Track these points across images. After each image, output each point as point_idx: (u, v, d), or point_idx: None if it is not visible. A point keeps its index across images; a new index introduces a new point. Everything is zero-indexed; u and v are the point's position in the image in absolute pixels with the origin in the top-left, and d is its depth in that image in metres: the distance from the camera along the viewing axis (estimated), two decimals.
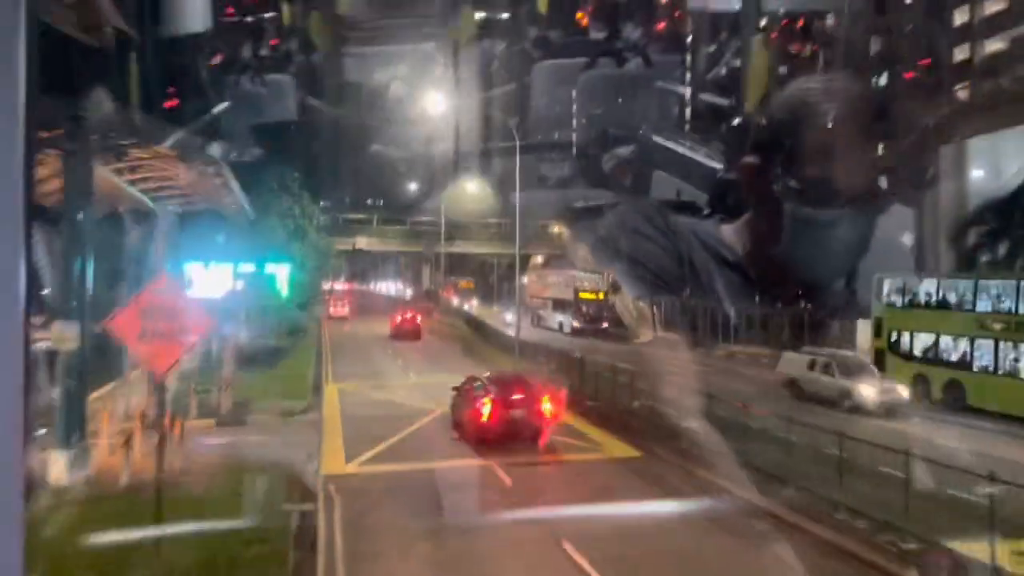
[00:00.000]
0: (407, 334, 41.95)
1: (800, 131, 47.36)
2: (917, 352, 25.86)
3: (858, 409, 22.57)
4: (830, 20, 64.09)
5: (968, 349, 23.82)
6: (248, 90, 73.16)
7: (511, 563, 11.10)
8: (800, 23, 66.06)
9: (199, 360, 29.25)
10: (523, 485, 14.80)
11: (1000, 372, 22.61)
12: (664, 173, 69.44)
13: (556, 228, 72.29)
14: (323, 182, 62.03)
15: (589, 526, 12.45)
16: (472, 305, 61.32)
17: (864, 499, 12.53)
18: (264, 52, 75.85)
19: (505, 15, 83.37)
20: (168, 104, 54.46)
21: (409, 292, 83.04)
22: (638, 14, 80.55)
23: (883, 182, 51.65)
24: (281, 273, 32.59)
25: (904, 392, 23.55)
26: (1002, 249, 37.34)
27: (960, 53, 49.68)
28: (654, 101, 78.95)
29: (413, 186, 75.18)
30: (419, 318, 44.45)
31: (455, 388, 20.00)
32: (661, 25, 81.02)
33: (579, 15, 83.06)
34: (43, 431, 14.25)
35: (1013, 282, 23.12)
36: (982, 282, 24.22)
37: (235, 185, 20.83)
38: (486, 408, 17.24)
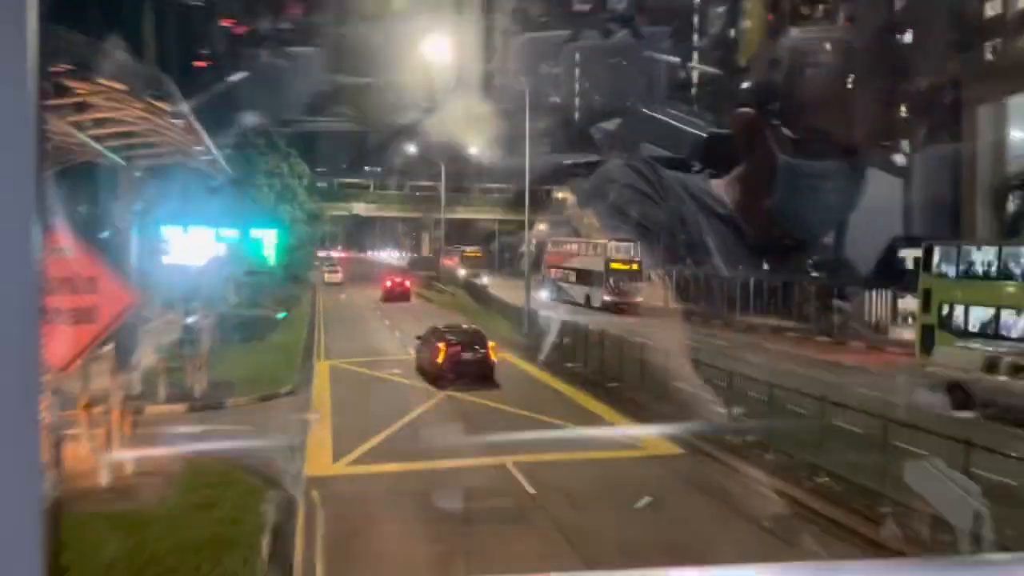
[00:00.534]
0: (397, 296, 44.76)
1: (795, 82, 48.28)
2: (973, 328, 23.22)
3: None
4: None
5: None
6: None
7: None
8: None
9: (181, 333, 26.70)
10: (549, 494, 12.19)
11: None
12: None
13: (560, 194, 69.37)
14: (317, 143, 58.70)
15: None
16: (482, 278, 55.11)
17: None
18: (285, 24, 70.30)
19: None
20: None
21: (408, 260, 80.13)
22: None
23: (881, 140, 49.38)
24: (268, 238, 29.83)
25: None
26: None
27: (991, 8, 46.51)
28: (643, 71, 75.44)
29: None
30: (407, 282, 47.88)
31: (419, 337, 23.21)
32: None
33: None
34: None
35: None
36: None
37: (204, 134, 18.03)
38: (440, 352, 20.67)
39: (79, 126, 14.65)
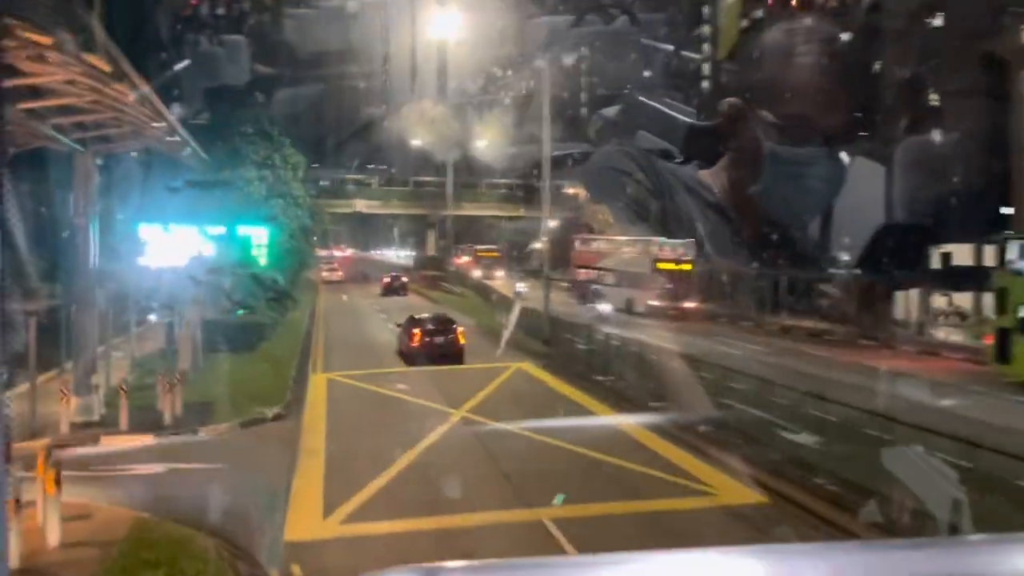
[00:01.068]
0: (395, 291, 49.46)
1: (777, 72, 47.44)
2: None
3: None
4: None
5: None
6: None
7: None
8: None
9: (165, 343, 23.85)
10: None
11: None
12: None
13: (571, 189, 66.37)
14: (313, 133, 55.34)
15: None
16: (516, 284, 49.89)
17: None
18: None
19: None
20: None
21: (414, 259, 77.03)
22: None
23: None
24: (259, 236, 26.92)
25: None
26: None
27: None
28: (639, 58, 72.43)
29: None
30: (404, 278, 52.45)
31: (398, 324, 26.07)
32: None
33: None
34: None
35: None
36: None
37: (167, 113, 15.14)
38: (416, 337, 23.76)
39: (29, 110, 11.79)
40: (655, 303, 36.71)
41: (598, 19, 74.10)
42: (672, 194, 52.32)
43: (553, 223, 72.45)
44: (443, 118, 61.72)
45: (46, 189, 18.81)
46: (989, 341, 22.70)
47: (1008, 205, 36.66)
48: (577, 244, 47.73)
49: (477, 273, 54.71)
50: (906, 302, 35.33)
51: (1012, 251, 22.19)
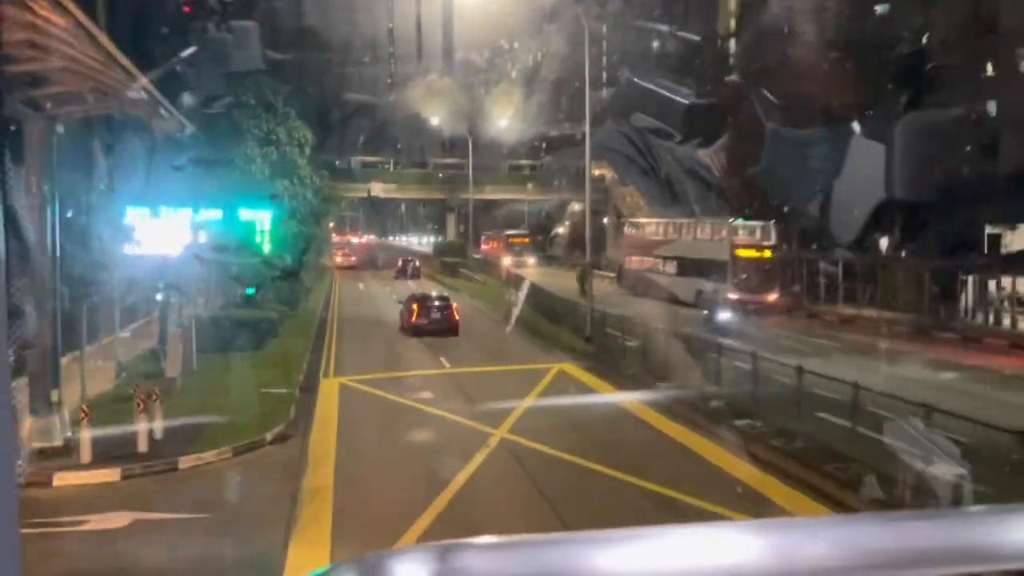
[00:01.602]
0: (408, 275, 49.77)
1: (779, 50, 44.11)
2: None
3: None
4: None
5: None
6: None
7: None
8: None
9: (158, 343, 20.94)
10: None
11: None
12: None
13: (598, 171, 63.10)
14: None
15: None
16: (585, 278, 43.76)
17: None
18: None
19: None
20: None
21: (433, 246, 73.90)
22: None
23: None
24: (263, 222, 23.93)
25: None
26: None
27: None
28: (635, 40, 68.98)
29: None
30: (416, 262, 53.49)
31: (400, 302, 27.96)
32: None
33: None
34: None
35: None
36: None
37: (139, 74, 12.07)
38: (415, 312, 25.65)
39: None
40: (733, 296, 31.32)
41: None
42: (668, 173, 50.85)
43: (577, 206, 69.56)
44: (450, 90, 58.53)
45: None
46: None
47: None
48: (627, 228, 43.13)
49: (506, 260, 50.46)
50: (975, 288, 32.15)
51: None
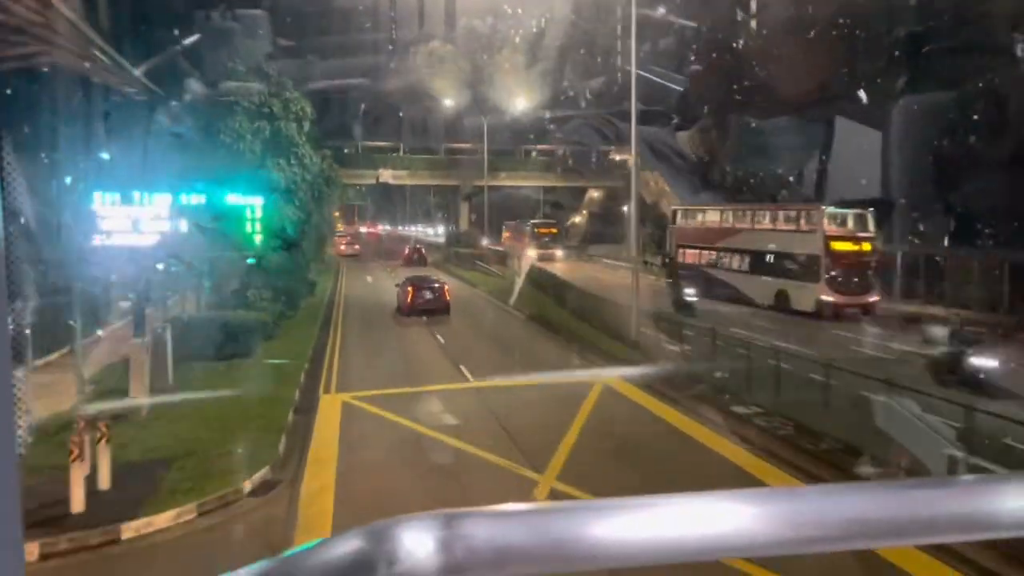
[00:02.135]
0: (415, 262, 50.00)
1: (749, 38, 46.52)
2: None
3: None
4: None
5: None
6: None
7: None
8: None
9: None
10: None
11: None
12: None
13: (618, 156, 59.72)
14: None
15: None
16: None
17: None
18: None
19: None
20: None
21: (445, 236, 70.43)
22: None
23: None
24: (257, 208, 20.64)
25: None
26: None
27: None
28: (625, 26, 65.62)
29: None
30: (423, 249, 54.61)
31: (397, 285, 29.98)
32: None
33: None
34: None
35: None
36: None
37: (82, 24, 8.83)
38: (409, 294, 27.87)
39: None
40: (828, 298, 26.83)
41: None
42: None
43: (596, 194, 65.86)
44: (453, 57, 55.07)
45: None
46: None
47: None
48: (679, 216, 37.35)
49: (531, 253, 45.21)
50: None
51: None
